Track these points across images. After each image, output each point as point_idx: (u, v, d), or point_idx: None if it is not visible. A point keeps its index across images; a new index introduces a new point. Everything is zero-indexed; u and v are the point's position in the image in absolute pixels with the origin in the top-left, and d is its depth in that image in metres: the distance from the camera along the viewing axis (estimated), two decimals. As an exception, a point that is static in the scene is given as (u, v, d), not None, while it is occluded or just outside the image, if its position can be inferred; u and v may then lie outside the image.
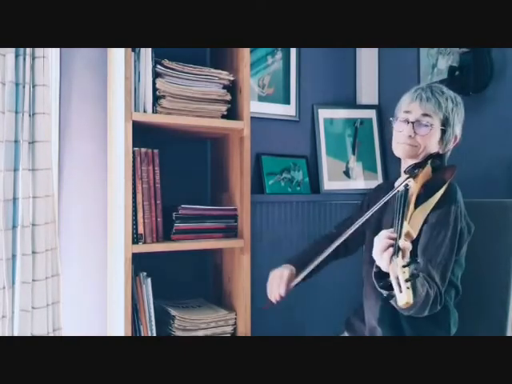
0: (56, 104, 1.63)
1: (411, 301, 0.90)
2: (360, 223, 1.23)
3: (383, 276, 1.06)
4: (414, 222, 1.08)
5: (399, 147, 1.33)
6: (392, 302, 1.05)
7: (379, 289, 1.08)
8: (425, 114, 1.28)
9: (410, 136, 1.28)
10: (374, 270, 1.09)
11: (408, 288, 0.90)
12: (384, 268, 1.03)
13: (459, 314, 1.30)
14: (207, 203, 1.82)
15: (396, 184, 1.36)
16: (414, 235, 1.06)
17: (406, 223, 1.05)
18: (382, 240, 1.05)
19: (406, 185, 1.18)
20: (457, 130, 1.32)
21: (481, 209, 1.33)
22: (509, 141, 1.64)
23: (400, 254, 0.97)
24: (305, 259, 1.38)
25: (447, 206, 1.18)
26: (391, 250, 1.01)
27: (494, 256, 1.40)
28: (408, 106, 1.31)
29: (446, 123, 1.29)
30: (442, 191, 1.16)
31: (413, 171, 1.26)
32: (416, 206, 1.12)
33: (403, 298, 0.90)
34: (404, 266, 0.94)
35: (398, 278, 0.93)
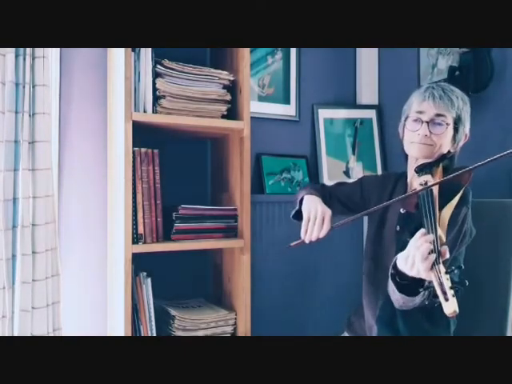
0: (56, 104, 1.63)
1: (457, 309, 0.86)
2: (385, 205, 1.19)
3: (405, 280, 1.02)
4: (442, 225, 1.05)
5: (414, 147, 1.29)
6: (417, 299, 1.01)
7: (399, 293, 1.04)
8: (438, 114, 1.26)
9: (426, 135, 1.26)
10: (392, 271, 1.05)
11: (453, 296, 0.87)
12: (420, 272, 0.96)
13: (459, 314, 1.30)
14: (207, 203, 1.82)
15: (409, 185, 1.34)
16: (444, 239, 1.01)
17: (438, 226, 1.01)
18: (422, 245, 0.97)
19: (427, 182, 1.15)
20: (467, 127, 1.32)
21: (481, 209, 1.33)
22: (509, 141, 1.64)
23: (440, 259, 0.93)
24: (325, 200, 1.34)
25: (460, 207, 1.16)
26: (432, 256, 0.95)
27: (494, 256, 1.40)
28: (420, 106, 1.29)
29: (458, 121, 1.28)
30: (460, 194, 1.13)
31: (424, 170, 1.25)
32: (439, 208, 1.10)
33: (450, 306, 0.86)
34: (447, 273, 0.90)
35: (441, 285, 0.89)
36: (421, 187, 1.14)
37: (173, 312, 1.53)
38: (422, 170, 1.27)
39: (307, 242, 1.24)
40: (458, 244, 1.20)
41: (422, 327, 1.24)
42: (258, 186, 1.97)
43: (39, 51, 1.48)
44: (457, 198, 1.13)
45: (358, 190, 1.48)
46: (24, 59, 1.45)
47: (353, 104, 2.23)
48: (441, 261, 0.93)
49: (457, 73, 1.72)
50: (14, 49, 1.44)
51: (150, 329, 1.47)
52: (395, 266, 1.06)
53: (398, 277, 1.06)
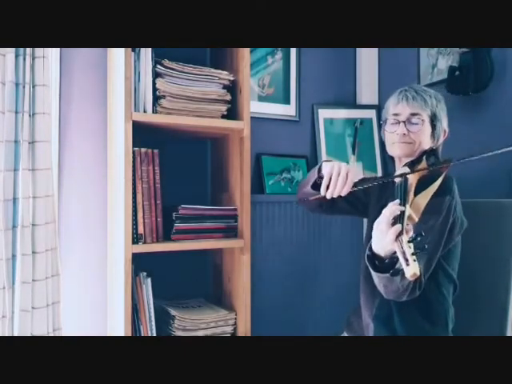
0: (56, 104, 1.63)
1: (418, 272, 0.90)
2: (371, 184, 1.27)
3: (378, 260, 1.07)
4: (415, 207, 1.09)
5: (395, 147, 1.35)
6: (396, 278, 1.05)
7: (374, 271, 1.09)
8: (413, 113, 1.32)
9: (404, 134, 1.32)
10: (367, 252, 1.10)
11: (415, 261, 0.91)
12: (386, 242, 1.01)
13: (459, 314, 1.30)
14: (207, 203, 1.82)
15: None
16: (416, 219, 1.06)
17: (407, 206, 1.06)
18: (391, 206, 1.05)
19: (404, 174, 1.19)
20: (444, 124, 1.37)
21: (481, 209, 1.34)
22: (509, 141, 1.64)
23: (404, 232, 0.98)
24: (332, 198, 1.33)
25: (442, 196, 1.20)
26: (399, 226, 0.99)
27: (493, 256, 1.40)
28: (395, 108, 1.35)
29: (434, 118, 1.34)
30: (440, 180, 1.17)
31: (409, 169, 1.27)
32: (415, 194, 1.14)
33: (411, 269, 0.91)
34: (409, 242, 0.95)
35: (404, 253, 0.94)
36: (399, 175, 1.20)
37: (173, 312, 1.53)
38: (408, 166, 1.29)
39: (328, 197, 1.23)
40: (446, 233, 1.21)
41: (419, 326, 1.24)
42: (258, 186, 1.97)
43: (39, 51, 1.48)
44: (435, 186, 1.16)
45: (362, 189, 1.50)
46: (24, 59, 1.45)
47: (353, 104, 2.23)
48: (404, 233, 0.97)
49: (457, 73, 1.71)
50: (14, 49, 1.44)
51: (149, 329, 1.47)
52: (371, 248, 1.09)
53: (376, 260, 1.10)
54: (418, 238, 0.95)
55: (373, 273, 1.11)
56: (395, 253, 0.99)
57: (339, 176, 1.22)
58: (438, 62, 1.91)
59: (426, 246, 0.99)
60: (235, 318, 1.60)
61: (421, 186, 1.16)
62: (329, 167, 1.26)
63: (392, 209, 1.04)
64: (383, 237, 1.02)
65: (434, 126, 1.34)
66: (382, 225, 1.03)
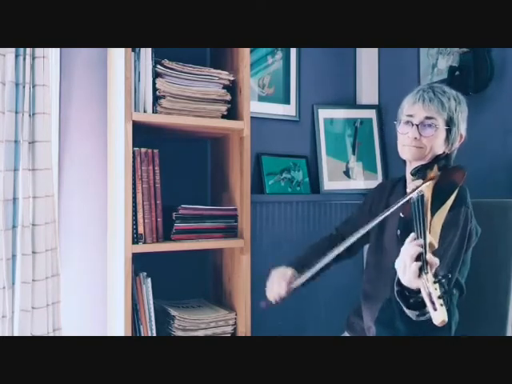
0: (56, 104, 1.63)
1: (446, 318, 0.84)
2: (367, 229, 1.20)
3: (408, 295, 1.00)
4: (433, 231, 1.02)
5: (405, 150, 1.31)
6: (421, 318, 0.99)
7: (407, 309, 1.02)
8: (428, 117, 1.27)
9: (416, 138, 1.27)
10: (396, 288, 1.03)
11: (442, 305, 0.85)
12: (409, 280, 0.95)
13: (459, 314, 1.30)
14: (207, 203, 1.82)
15: (407, 188, 1.33)
16: (436, 245, 0.99)
17: (428, 233, 0.99)
18: (411, 247, 0.96)
19: (420, 191, 1.13)
20: (462, 128, 1.31)
21: (481, 209, 1.33)
22: (509, 141, 1.64)
23: (429, 268, 0.91)
24: (306, 262, 1.36)
25: (457, 208, 1.16)
26: (420, 263, 0.93)
27: (494, 256, 1.40)
28: (411, 109, 1.30)
29: (450, 123, 1.28)
30: (454, 195, 1.12)
31: (419, 173, 1.25)
32: (432, 212, 1.07)
33: (439, 316, 0.84)
34: (435, 282, 0.88)
35: (430, 295, 0.87)
36: (412, 192, 1.13)
37: (173, 312, 1.53)
38: (416, 172, 1.27)
39: (273, 302, 1.36)
40: (465, 245, 1.18)
41: (422, 329, 1.23)
42: (258, 186, 1.97)
43: (39, 51, 1.48)
44: (451, 199, 1.12)
45: (367, 209, 1.49)
46: (24, 59, 1.45)
47: (353, 104, 2.23)
48: (429, 270, 0.90)
49: (457, 73, 1.71)
50: (14, 49, 1.44)
51: (150, 329, 1.47)
52: (399, 283, 1.02)
53: (406, 291, 1.02)
54: (444, 280, 0.88)
55: (403, 307, 1.03)
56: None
57: (273, 281, 1.38)
58: (438, 62, 1.91)
59: (455, 292, 0.94)
60: (235, 318, 1.60)
61: (436, 198, 1.10)
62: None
63: (413, 250, 0.95)
64: (405, 274, 0.96)
65: (449, 131, 1.28)
66: (404, 262, 0.96)
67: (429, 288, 0.87)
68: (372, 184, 2.12)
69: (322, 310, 2.05)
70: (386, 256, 1.32)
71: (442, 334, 1.25)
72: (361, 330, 1.40)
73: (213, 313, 1.59)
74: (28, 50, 1.45)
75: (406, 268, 0.96)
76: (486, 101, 1.70)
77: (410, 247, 0.97)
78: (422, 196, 1.10)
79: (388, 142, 2.16)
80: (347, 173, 2.15)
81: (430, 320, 0.88)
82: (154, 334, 1.47)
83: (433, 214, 1.06)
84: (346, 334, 1.49)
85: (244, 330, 1.57)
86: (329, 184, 2.10)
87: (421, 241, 0.97)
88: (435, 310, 0.85)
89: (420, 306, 0.97)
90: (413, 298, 0.99)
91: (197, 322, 1.53)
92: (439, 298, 0.85)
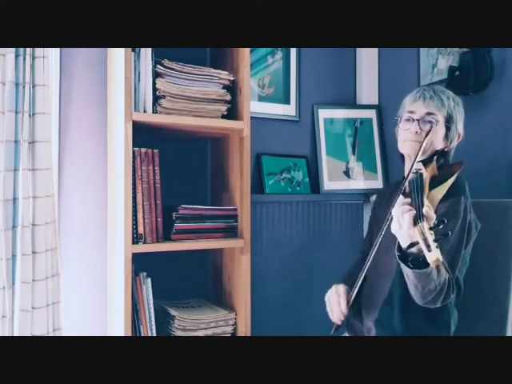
0: (56, 104, 1.63)
1: (441, 257, 0.89)
2: (379, 240, 1.25)
3: (408, 253, 1.05)
4: (431, 199, 1.08)
5: (406, 145, 1.35)
6: (433, 275, 1.04)
7: (408, 269, 1.06)
8: (429, 113, 1.31)
9: (417, 132, 1.31)
10: (398, 253, 1.08)
11: (437, 247, 0.90)
12: (406, 231, 1.00)
13: (459, 314, 1.30)
14: (207, 203, 1.82)
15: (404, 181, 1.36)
16: (433, 212, 1.04)
17: (425, 198, 1.04)
18: (401, 203, 1.04)
19: (419, 169, 1.18)
20: (459, 127, 1.36)
21: (481, 209, 1.33)
22: (509, 141, 1.64)
23: (424, 219, 0.96)
24: (353, 277, 1.36)
25: (457, 196, 1.19)
26: (412, 212, 0.99)
27: (494, 256, 1.40)
28: (412, 106, 1.34)
29: (449, 120, 1.32)
30: (452, 179, 1.17)
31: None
32: (430, 188, 1.12)
33: (433, 255, 0.90)
34: (431, 228, 0.94)
35: (425, 240, 0.93)
36: (415, 175, 1.18)
37: (173, 312, 1.53)
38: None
39: (339, 322, 1.35)
40: (465, 235, 1.20)
41: (422, 330, 1.23)
42: (258, 186, 1.97)
43: (39, 51, 1.48)
44: (449, 182, 1.16)
45: (373, 219, 1.53)
46: (24, 59, 1.45)
47: (353, 104, 2.23)
48: (424, 219, 0.96)
49: (457, 73, 1.71)
50: (14, 49, 1.44)
51: (150, 329, 1.47)
52: (400, 249, 1.07)
53: (409, 257, 1.07)
54: (441, 226, 0.94)
55: (410, 274, 1.08)
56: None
57: (331, 301, 1.39)
58: (438, 62, 1.91)
59: (450, 233, 0.98)
60: (235, 318, 1.60)
61: (433, 183, 1.15)
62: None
63: (404, 206, 1.03)
64: (401, 228, 1.02)
65: (448, 128, 1.33)
66: (396, 219, 1.03)
67: (425, 234, 0.93)
68: (372, 184, 2.12)
69: (322, 310, 2.05)
70: (385, 251, 1.32)
71: (442, 333, 1.26)
72: (360, 332, 1.40)
73: (213, 313, 1.59)
74: (28, 50, 1.45)
75: (399, 221, 1.02)
76: (485, 101, 1.70)
77: (400, 204, 1.05)
78: (421, 174, 1.15)
79: (388, 141, 2.16)
80: (347, 173, 2.15)
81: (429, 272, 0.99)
82: (154, 334, 1.47)
83: (430, 190, 1.12)
84: (346, 334, 1.49)
85: (244, 330, 1.57)
86: (329, 184, 2.10)
87: (408, 199, 1.04)
88: (430, 251, 0.90)
89: (421, 264, 1.02)
90: (411, 255, 1.05)
91: (197, 322, 1.53)
92: (434, 241, 0.91)
